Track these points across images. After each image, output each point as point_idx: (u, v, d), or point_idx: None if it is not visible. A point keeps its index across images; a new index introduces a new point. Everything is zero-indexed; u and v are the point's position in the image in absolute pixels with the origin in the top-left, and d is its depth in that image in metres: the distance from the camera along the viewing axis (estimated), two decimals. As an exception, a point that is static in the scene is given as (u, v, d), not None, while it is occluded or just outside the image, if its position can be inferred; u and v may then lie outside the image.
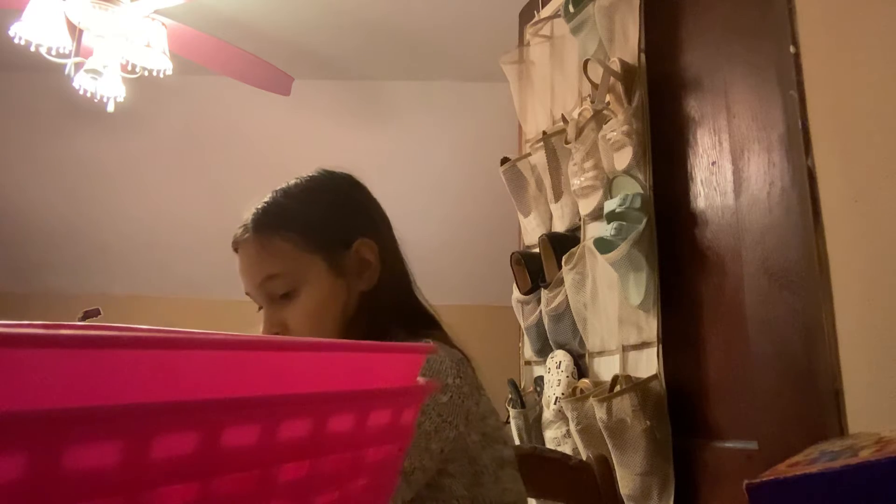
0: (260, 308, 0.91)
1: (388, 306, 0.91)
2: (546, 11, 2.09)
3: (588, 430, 1.54)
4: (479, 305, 3.17)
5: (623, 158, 1.56)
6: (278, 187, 0.94)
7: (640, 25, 1.62)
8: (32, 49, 2.04)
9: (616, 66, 1.62)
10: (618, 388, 1.48)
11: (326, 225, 0.90)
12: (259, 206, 0.92)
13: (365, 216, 0.95)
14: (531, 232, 2.02)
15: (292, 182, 0.95)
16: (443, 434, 0.76)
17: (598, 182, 1.67)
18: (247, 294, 0.91)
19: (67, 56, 2.10)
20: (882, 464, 0.51)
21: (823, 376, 1.07)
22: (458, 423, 0.78)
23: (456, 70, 3.11)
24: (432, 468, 0.77)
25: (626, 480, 1.42)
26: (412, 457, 0.74)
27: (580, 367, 1.74)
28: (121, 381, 0.25)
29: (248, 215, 0.91)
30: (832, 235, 1.09)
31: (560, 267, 1.75)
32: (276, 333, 0.86)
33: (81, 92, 2.23)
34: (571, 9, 1.82)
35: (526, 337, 1.98)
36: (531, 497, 1.03)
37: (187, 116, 3.34)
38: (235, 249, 0.91)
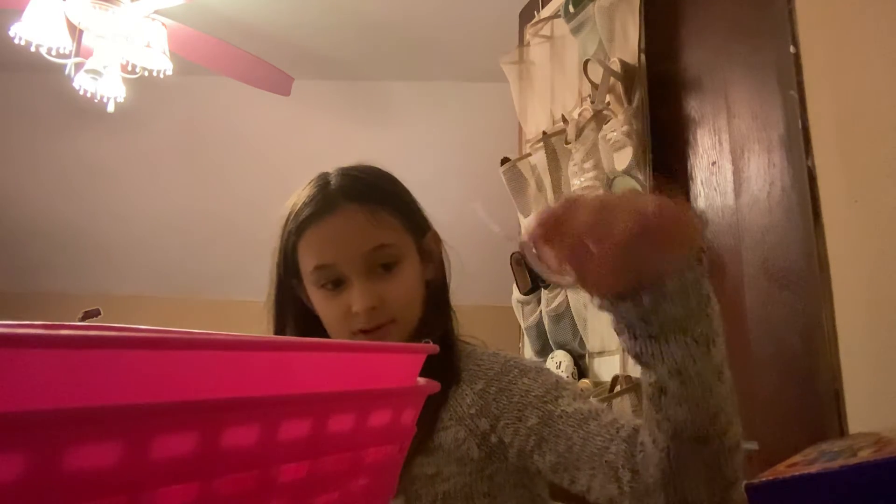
0: (323, 285, 0.83)
1: (444, 300, 0.93)
2: (546, 11, 2.09)
3: (588, 430, 1.54)
4: (479, 305, 3.16)
5: (623, 158, 1.56)
6: (338, 169, 0.89)
7: (640, 25, 1.62)
8: (32, 49, 2.04)
9: (616, 67, 1.62)
10: (618, 388, 1.48)
11: (412, 209, 0.91)
12: (342, 181, 0.86)
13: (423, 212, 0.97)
14: (531, 232, 2.02)
15: (354, 165, 0.91)
16: None
17: (599, 182, 1.67)
18: (318, 268, 0.82)
19: (67, 56, 2.10)
20: (881, 464, 0.51)
21: (823, 376, 1.07)
22: None
23: (456, 70, 3.11)
24: None
25: (626, 480, 1.42)
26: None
27: (580, 368, 1.74)
28: (121, 381, 0.25)
29: (325, 189, 0.85)
30: (832, 235, 1.09)
31: (560, 267, 1.75)
32: (373, 308, 0.81)
33: (81, 92, 2.23)
34: (571, 9, 1.82)
35: (526, 337, 1.98)
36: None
37: (187, 116, 3.35)
38: (306, 227, 0.83)
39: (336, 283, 0.83)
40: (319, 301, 0.85)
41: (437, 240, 0.93)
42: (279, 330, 0.90)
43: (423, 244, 0.90)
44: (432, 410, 0.81)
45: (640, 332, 0.57)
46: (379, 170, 0.93)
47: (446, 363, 0.85)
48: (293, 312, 0.89)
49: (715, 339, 0.58)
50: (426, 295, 0.89)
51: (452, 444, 0.79)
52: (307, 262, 0.84)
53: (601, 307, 0.57)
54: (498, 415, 0.78)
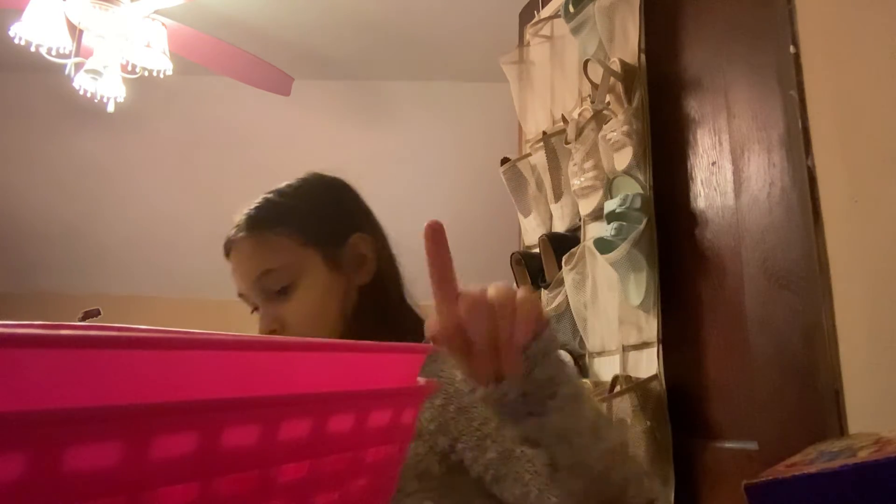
0: (253, 310, 0.90)
1: (390, 301, 0.91)
2: (546, 11, 2.09)
3: (588, 430, 1.54)
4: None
5: (623, 158, 1.56)
6: (268, 190, 0.94)
7: (640, 25, 1.62)
8: (32, 49, 2.04)
9: (616, 67, 1.62)
10: (618, 388, 1.48)
11: (321, 219, 0.90)
12: (251, 207, 0.92)
13: (358, 213, 0.96)
14: (531, 232, 2.02)
15: (283, 184, 0.95)
16: None
17: (598, 182, 1.67)
18: (240, 296, 0.90)
19: (67, 56, 2.10)
20: (880, 464, 0.51)
21: (823, 376, 1.07)
22: None
23: (456, 70, 3.11)
24: None
25: (626, 480, 1.42)
26: None
27: (580, 368, 1.74)
28: (121, 381, 0.25)
29: (239, 217, 0.91)
30: (832, 235, 1.09)
31: (560, 267, 1.75)
32: (274, 331, 0.84)
33: (81, 92, 2.23)
34: (571, 9, 1.82)
35: (526, 337, 1.97)
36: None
37: (187, 116, 3.35)
38: (227, 253, 0.90)
39: (254, 307, 0.89)
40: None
41: (369, 241, 0.91)
42: None
43: (338, 253, 0.89)
44: None
45: (521, 412, 0.58)
46: (300, 183, 0.94)
47: None
48: None
49: (581, 395, 0.60)
50: (357, 303, 0.88)
51: (412, 458, 0.76)
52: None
53: (486, 398, 0.57)
54: (457, 436, 0.76)
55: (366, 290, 0.89)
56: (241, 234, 0.89)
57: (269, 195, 0.93)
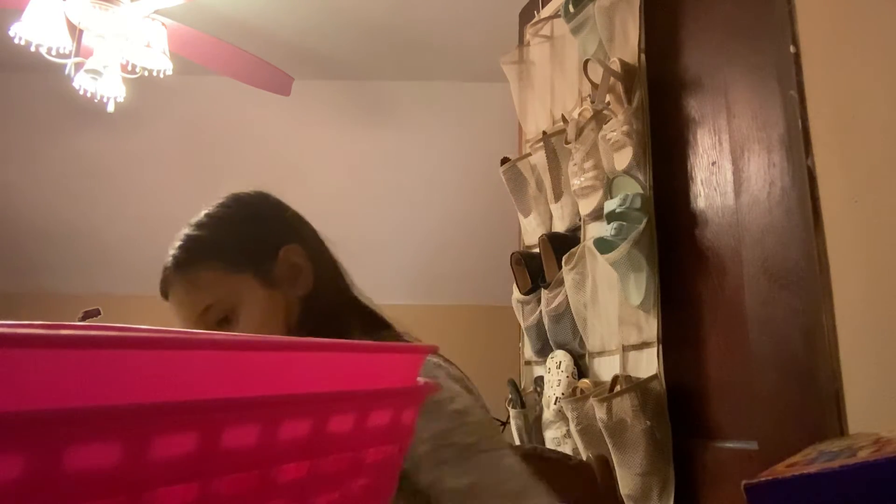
0: None
1: (332, 304, 0.91)
2: (546, 11, 2.09)
3: (588, 431, 1.54)
4: (479, 305, 3.17)
5: (623, 158, 1.57)
6: (189, 222, 0.94)
7: (640, 25, 1.62)
8: (32, 49, 2.04)
9: (616, 66, 1.62)
10: (618, 388, 1.48)
11: (244, 243, 0.90)
12: (175, 247, 0.92)
13: (283, 224, 0.95)
14: (531, 232, 2.02)
15: (202, 213, 0.95)
16: None
17: (598, 182, 1.67)
18: None
19: (67, 56, 2.10)
20: (880, 464, 0.51)
21: (823, 376, 1.07)
22: None
23: (456, 70, 3.11)
24: None
25: (626, 480, 1.42)
26: None
27: (580, 368, 1.74)
28: (121, 381, 0.25)
29: (166, 259, 0.92)
30: (832, 235, 1.09)
31: (560, 267, 1.75)
32: None
33: (81, 92, 2.23)
34: (571, 9, 1.82)
35: (526, 337, 1.98)
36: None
37: (187, 116, 3.34)
38: (165, 296, 0.91)
39: None
40: None
41: (299, 251, 0.91)
42: None
43: (270, 270, 0.88)
44: None
45: None
46: (216, 211, 0.94)
47: None
48: None
49: None
50: (302, 311, 0.88)
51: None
52: None
53: None
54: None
55: (308, 298, 0.89)
56: (171, 277, 0.90)
57: (189, 231, 0.93)
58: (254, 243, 0.91)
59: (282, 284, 0.89)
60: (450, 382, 0.80)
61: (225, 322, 0.86)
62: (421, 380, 0.42)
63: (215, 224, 0.93)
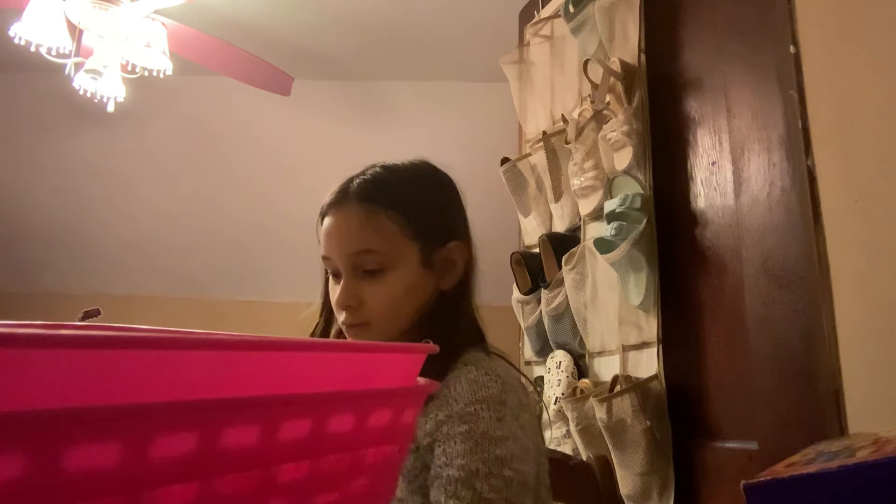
0: (327, 274, 0.90)
1: (459, 312, 0.91)
2: (546, 11, 2.09)
3: (588, 431, 1.54)
4: (478, 305, 3.16)
5: (623, 158, 1.56)
6: (381, 163, 0.93)
7: (640, 25, 1.62)
8: (32, 49, 2.04)
9: (616, 66, 1.62)
10: (618, 388, 1.48)
11: (431, 218, 0.90)
12: (366, 177, 0.90)
13: (462, 220, 0.96)
14: (531, 232, 2.02)
15: (398, 163, 0.94)
16: None
17: (598, 182, 1.67)
18: (324, 258, 0.89)
19: (67, 56, 2.10)
20: (879, 464, 0.51)
21: (823, 376, 1.07)
22: None
23: (456, 70, 3.11)
24: None
25: (626, 480, 1.42)
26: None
27: (580, 368, 1.74)
28: (121, 381, 0.25)
29: (349, 184, 0.89)
30: (832, 235, 1.09)
31: (560, 267, 1.75)
32: (351, 307, 0.85)
33: (81, 92, 2.23)
34: (571, 9, 1.82)
35: (526, 337, 1.98)
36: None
37: (187, 116, 3.34)
38: (328, 213, 0.88)
39: (335, 275, 0.88)
40: (329, 288, 0.90)
41: (463, 252, 0.91)
42: (324, 309, 0.93)
43: (435, 254, 0.89)
44: None
45: None
46: (416, 170, 0.94)
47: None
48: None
49: None
50: (433, 306, 0.88)
51: (410, 472, 0.77)
52: (321, 249, 0.89)
53: None
54: (431, 461, 0.77)
55: (445, 295, 0.90)
56: (350, 203, 0.87)
57: (384, 172, 0.91)
58: (436, 224, 0.90)
59: (435, 271, 0.89)
60: (510, 419, 0.78)
61: (371, 274, 0.85)
62: (421, 380, 0.42)
63: (412, 183, 0.92)
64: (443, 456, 0.74)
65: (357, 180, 0.89)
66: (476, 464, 0.73)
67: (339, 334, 0.91)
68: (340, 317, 0.86)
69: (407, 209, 0.87)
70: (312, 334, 0.94)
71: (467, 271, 0.92)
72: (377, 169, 0.92)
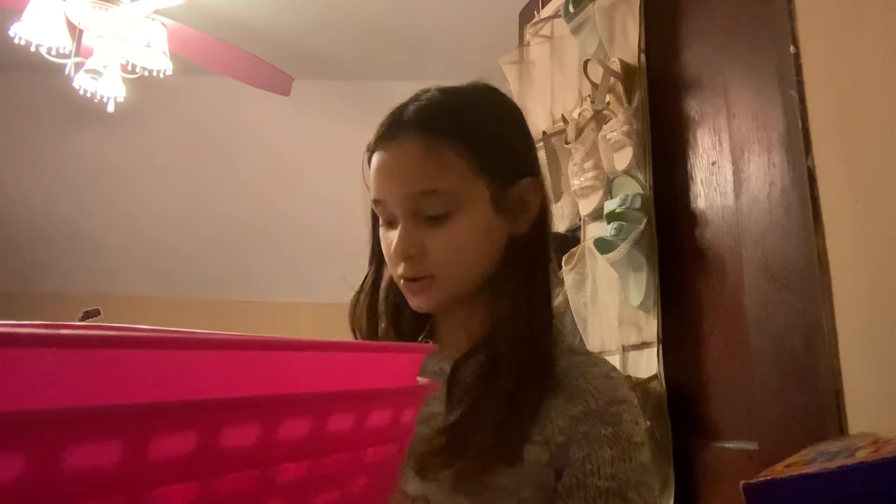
0: (376, 221, 0.78)
1: (539, 258, 0.77)
2: (546, 11, 2.09)
3: (588, 430, 1.54)
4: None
5: (623, 158, 1.57)
6: (437, 86, 0.78)
7: (640, 25, 1.62)
8: (32, 49, 2.04)
9: (616, 66, 1.62)
10: (618, 388, 1.47)
11: (500, 149, 0.75)
12: (422, 102, 0.76)
13: (534, 153, 0.82)
14: (531, 232, 2.02)
15: (456, 86, 0.78)
16: None
17: (598, 182, 1.67)
18: (374, 202, 0.75)
19: (67, 56, 2.10)
20: (879, 464, 0.51)
21: (823, 376, 1.07)
22: None
23: (456, 70, 3.11)
24: None
25: (625, 480, 1.42)
26: None
27: (580, 367, 1.74)
28: (121, 381, 0.25)
29: (405, 109, 0.76)
30: (832, 235, 1.09)
31: (560, 267, 1.75)
32: (412, 257, 0.72)
33: (81, 92, 2.24)
34: (571, 9, 1.82)
35: (526, 337, 1.98)
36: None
37: (187, 116, 3.35)
38: (379, 146, 0.75)
39: (389, 221, 0.75)
40: (381, 235, 0.77)
41: (536, 191, 0.77)
42: (373, 260, 0.81)
43: (506, 192, 0.75)
44: (527, 416, 0.68)
45: None
46: (480, 94, 0.79)
47: (535, 361, 0.71)
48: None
49: None
50: (504, 254, 0.75)
51: (534, 465, 0.68)
52: (371, 192, 0.76)
53: None
54: (567, 463, 0.68)
55: (517, 241, 0.76)
56: (409, 131, 0.73)
57: (443, 97, 0.76)
58: (507, 156, 0.76)
59: (507, 214, 0.75)
60: (642, 422, 0.73)
61: (434, 220, 0.72)
62: (421, 380, 0.42)
63: (476, 108, 0.77)
64: (588, 463, 0.67)
65: (412, 106, 0.75)
66: (626, 472, 0.67)
67: (391, 287, 0.79)
68: (398, 269, 0.73)
69: (475, 140, 0.73)
70: (362, 287, 0.81)
71: (542, 214, 0.78)
72: (434, 93, 0.77)
